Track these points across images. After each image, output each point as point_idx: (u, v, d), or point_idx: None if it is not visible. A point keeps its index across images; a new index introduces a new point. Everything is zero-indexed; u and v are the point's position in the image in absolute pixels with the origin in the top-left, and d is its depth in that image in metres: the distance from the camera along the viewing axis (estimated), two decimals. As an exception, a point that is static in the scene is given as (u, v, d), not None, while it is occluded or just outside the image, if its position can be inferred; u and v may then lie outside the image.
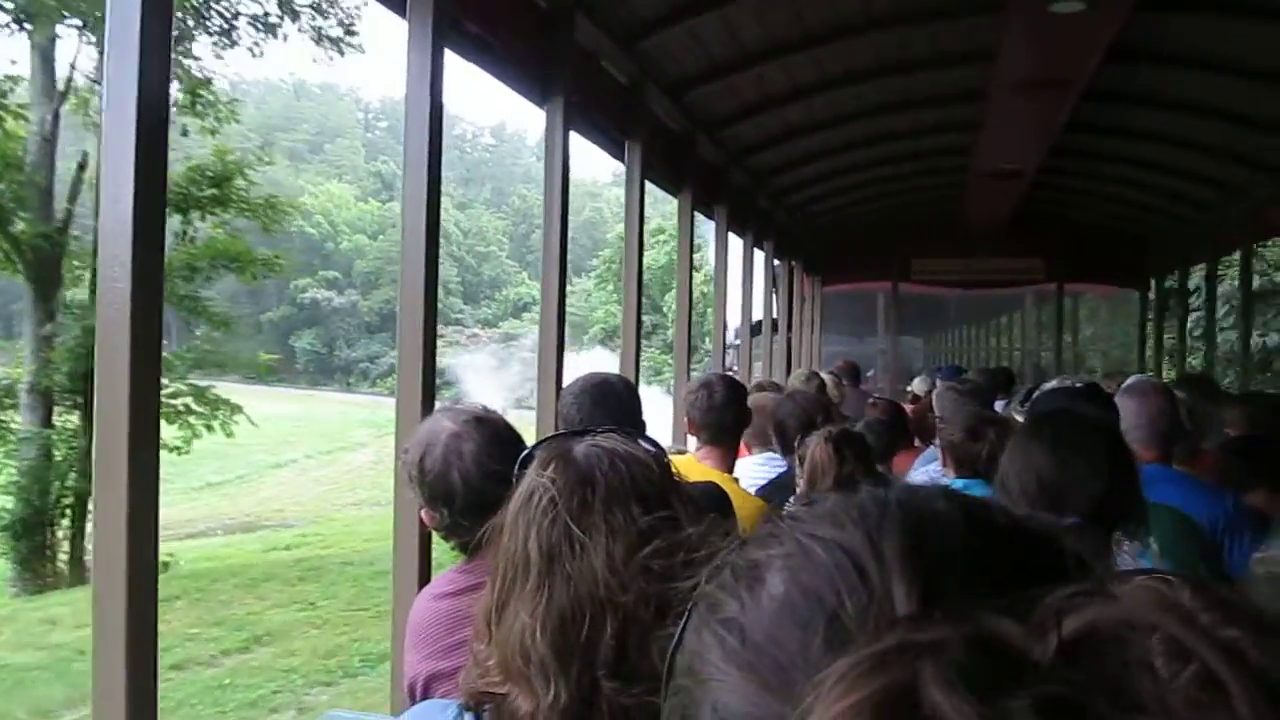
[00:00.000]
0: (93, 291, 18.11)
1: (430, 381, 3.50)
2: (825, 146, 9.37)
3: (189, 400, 18.52)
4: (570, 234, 5.15)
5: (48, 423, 17.95)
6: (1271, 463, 3.64)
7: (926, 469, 4.40)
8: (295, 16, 21.03)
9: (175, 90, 18.93)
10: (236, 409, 19.56)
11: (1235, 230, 10.42)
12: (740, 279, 10.06)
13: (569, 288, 5.11)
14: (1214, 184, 10.15)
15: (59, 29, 18.39)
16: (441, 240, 3.80)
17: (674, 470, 1.45)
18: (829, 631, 0.45)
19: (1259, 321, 16.25)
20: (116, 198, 2.25)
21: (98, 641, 2.23)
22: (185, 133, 18.45)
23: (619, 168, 6.37)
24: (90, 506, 17.61)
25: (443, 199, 3.82)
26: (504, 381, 52.84)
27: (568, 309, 5.01)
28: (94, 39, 18.55)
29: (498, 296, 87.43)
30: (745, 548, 0.52)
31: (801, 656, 0.46)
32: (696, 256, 11.39)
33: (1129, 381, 3.80)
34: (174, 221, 17.61)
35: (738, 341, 11.14)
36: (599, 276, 66.89)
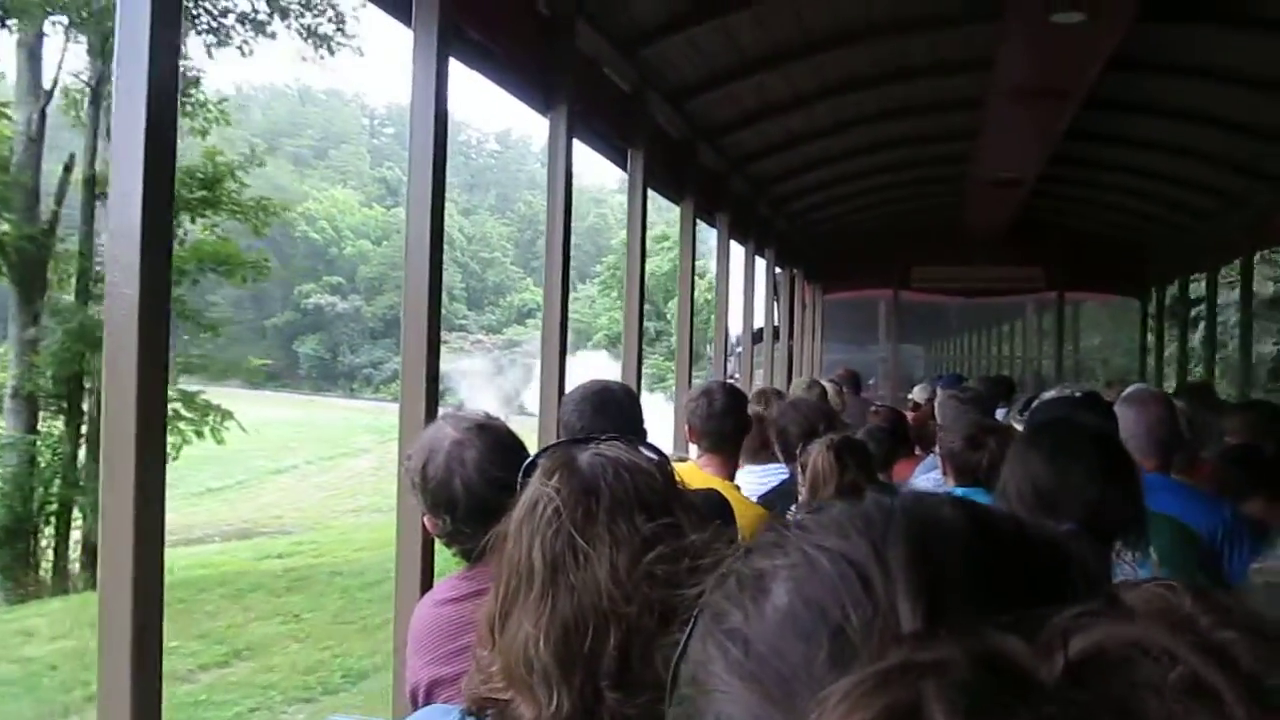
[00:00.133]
0: (78, 294, 17.96)
1: (434, 387, 3.51)
2: (825, 154, 9.39)
3: (178, 406, 18.18)
4: (574, 240, 5.17)
5: (32, 428, 17.69)
6: (1269, 472, 3.65)
7: (927, 477, 4.40)
8: (284, 15, 20.80)
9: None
10: (227, 415, 19.19)
11: (1236, 239, 10.43)
12: (742, 287, 10.08)
13: (573, 294, 5.13)
14: (1214, 192, 10.17)
15: (45, 27, 18.20)
16: (446, 246, 3.82)
17: (677, 478, 1.46)
18: (833, 645, 0.45)
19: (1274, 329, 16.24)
20: (124, 203, 2.27)
21: (103, 646, 2.24)
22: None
23: (624, 174, 6.39)
24: (76, 514, 17.56)
25: (447, 205, 3.83)
26: (500, 388, 52.79)
27: (572, 315, 5.02)
28: (82, 37, 18.38)
29: (502, 302, 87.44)
30: (750, 556, 0.52)
31: (805, 670, 0.45)
32: (699, 264, 11.43)
33: (1128, 390, 3.81)
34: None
35: (739, 349, 11.16)
36: (603, 283, 66.86)
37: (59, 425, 18.01)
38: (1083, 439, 2.31)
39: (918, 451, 5.93)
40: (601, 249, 79.47)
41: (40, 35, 18.36)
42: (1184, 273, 13.27)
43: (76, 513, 17.92)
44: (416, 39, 3.57)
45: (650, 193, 6.70)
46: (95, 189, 18.29)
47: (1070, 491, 2.15)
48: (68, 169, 18.71)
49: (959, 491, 3.46)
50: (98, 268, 18.45)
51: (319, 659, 11.16)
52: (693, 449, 3.80)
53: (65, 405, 18.03)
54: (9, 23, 17.85)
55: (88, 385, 18.03)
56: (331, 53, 21.87)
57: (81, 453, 18.13)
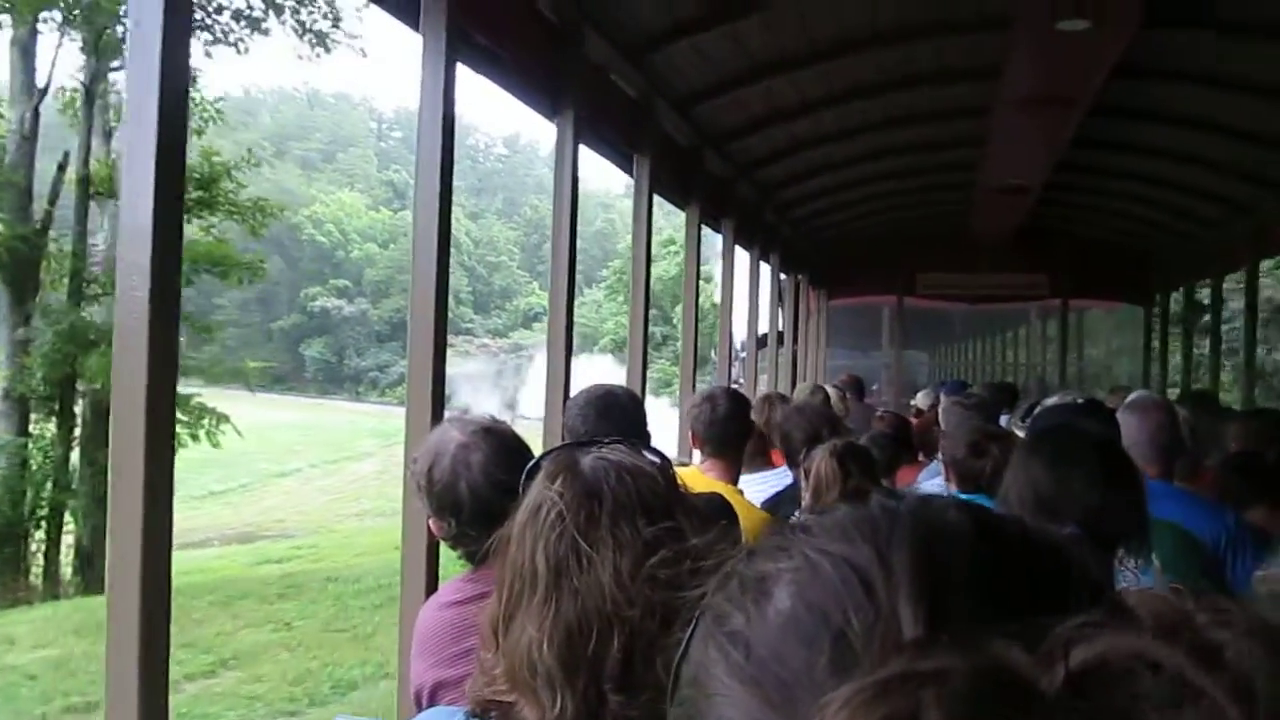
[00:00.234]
0: (71, 295, 17.85)
1: (440, 391, 3.52)
2: (831, 160, 9.40)
3: (172, 408, 18.17)
4: (582, 244, 5.19)
5: (23, 431, 17.55)
6: (1272, 480, 3.66)
7: (930, 484, 4.41)
8: (279, 11, 20.63)
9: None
10: (223, 418, 18.86)
11: (1241, 246, 10.42)
12: (747, 292, 10.09)
13: (579, 298, 5.14)
14: (1220, 200, 10.16)
15: (39, 26, 18.05)
16: (453, 249, 3.83)
17: (679, 482, 1.47)
18: (834, 650, 0.45)
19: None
20: (135, 205, 2.29)
21: (110, 649, 2.25)
22: None
23: (631, 179, 6.41)
24: (67, 518, 17.46)
25: (454, 209, 3.85)
26: (498, 391, 52.81)
27: (578, 320, 5.03)
28: (76, 35, 18.27)
29: (508, 306, 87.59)
30: (753, 559, 0.52)
31: (806, 675, 0.45)
32: (705, 269, 11.43)
33: (1130, 398, 3.82)
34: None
35: (743, 354, 11.17)
36: (609, 287, 66.91)
37: (51, 428, 17.87)
38: (1084, 446, 2.31)
39: (921, 457, 5.94)
40: (608, 253, 79.49)
41: (34, 33, 18.18)
42: (1189, 280, 13.25)
43: (68, 517, 17.80)
44: (425, 44, 3.59)
45: (657, 198, 6.71)
46: (89, 188, 18.16)
47: (1071, 498, 2.16)
48: (62, 168, 18.58)
49: (962, 498, 3.47)
50: (92, 268, 18.35)
51: (308, 668, 10.92)
52: (696, 454, 3.82)
53: (57, 407, 17.88)
54: (1, 19, 17.72)
55: (80, 388, 17.93)
56: (328, 50, 21.63)
57: (74, 455, 18.01)
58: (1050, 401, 3.85)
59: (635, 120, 6.11)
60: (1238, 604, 0.42)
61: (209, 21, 19.78)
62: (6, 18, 17.91)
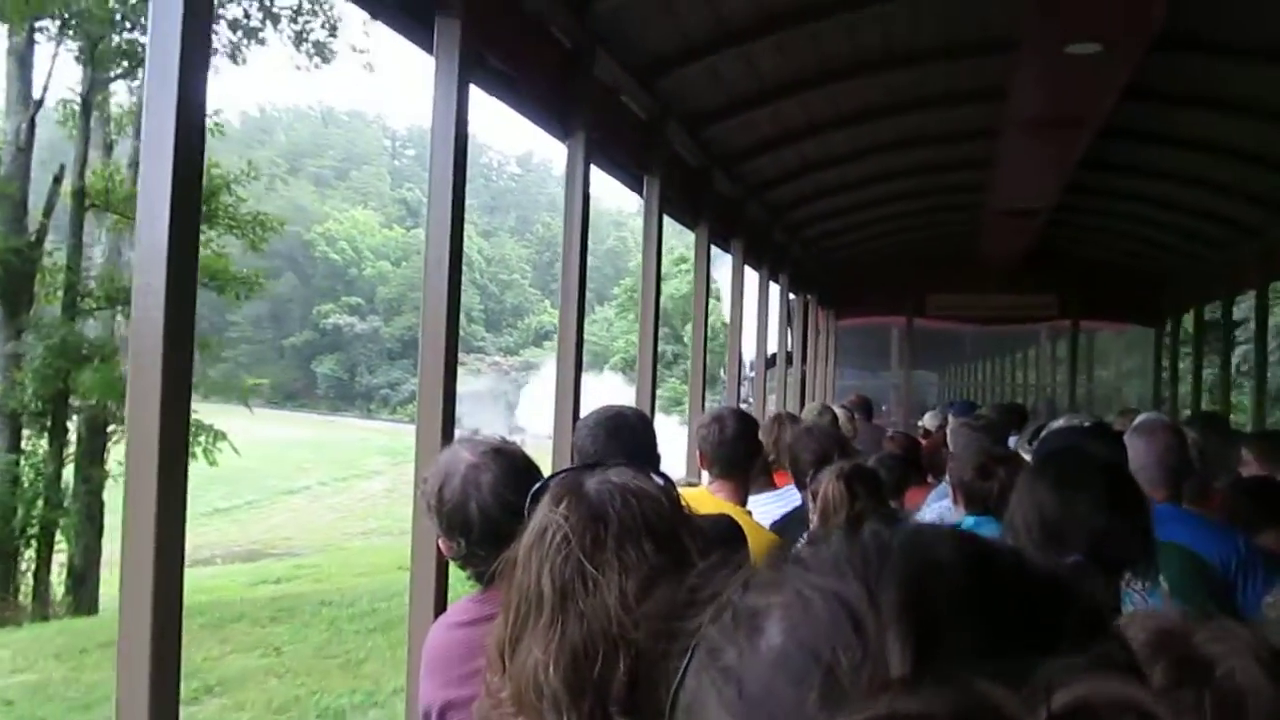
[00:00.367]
0: (65, 309, 17.63)
1: (450, 409, 3.53)
2: (841, 181, 9.42)
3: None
4: (594, 262, 5.23)
5: (15, 447, 17.27)
6: (1281, 504, 3.64)
7: (938, 505, 4.41)
8: (275, 20, 20.30)
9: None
10: (220, 435, 18.36)
11: (1251, 268, 10.42)
12: (756, 312, 10.10)
13: (590, 316, 5.16)
14: (1228, 223, 10.16)
15: (36, 36, 17.80)
16: (465, 268, 3.85)
17: (684, 504, 1.48)
18: (824, 687, 0.45)
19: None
20: (152, 228, 2.31)
21: (121, 667, 2.27)
22: None
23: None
24: (59, 537, 17.26)
25: (467, 226, 3.87)
26: (498, 408, 52.80)
27: (589, 338, 5.05)
28: (73, 46, 18.09)
29: (520, 324, 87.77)
30: (747, 591, 0.53)
31: (795, 712, 0.46)
32: (714, 287, 11.46)
33: (1138, 420, 3.82)
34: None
35: (753, 374, 11.17)
36: (621, 305, 67.01)
37: (43, 444, 17.59)
38: (1089, 469, 2.32)
39: (930, 479, 5.93)
40: (620, 271, 79.69)
41: (31, 42, 17.93)
42: (1198, 302, 13.24)
43: (59, 535, 17.47)
44: (437, 66, 3.63)
45: (667, 218, 6.74)
46: (85, 200, 17.94)
47: (1076, 521, 2.16)
48: (57, 180, 18.34)
49: (969, 520, 3.48)
50: (88, 282, 18.14)
51: (295, 695, 10.55)
52: (704, 475, 3.82)
53: (50, 423, 17.60)
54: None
55: (75, 403, 17.66)
56: (326, 60, 21.30)
57: (66, 473, 17.73)
58: (1057, 424, 3.85)
59: (645, 141, 6.15)
60: (1245, 627, 0.42)
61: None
62: (3, 27, 17.67)
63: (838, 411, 6.79)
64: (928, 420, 8.83)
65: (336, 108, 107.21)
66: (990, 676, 0.41)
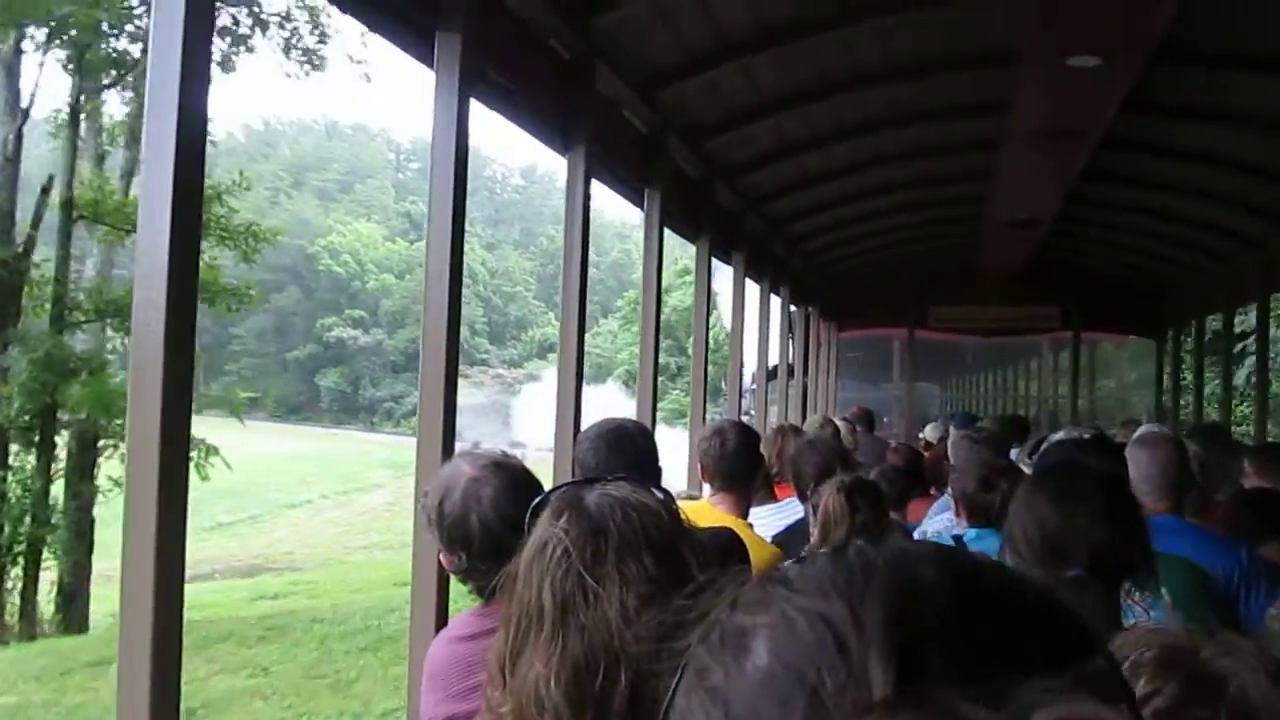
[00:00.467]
0: (53, 321, 17.35)
1: (451, 422, 3.53)
2: (842, 194, 9.43)
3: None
4: (597, 275, 5.24)
5: (2, 463, 17.02)
6: (1284, 516, 3.63)
7: (940, 518, 4.40)
8: (265, 27, 20.21)
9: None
10: (212, 450, 17.86)
11: (1252, 280, 10.42)
12: (757, 324, 10.11)
13: (595, 328, 5.16)
14: (1229, 234, 10.17)
15: (24, 44, 17.60)
16: (469, 280, 3.86)
17: (683, 517, 1.48)
18: (808, 709, 0.46)
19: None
20: (153, 244, 2.31)
21: (122, 684, 2.27)
22: None
23: (647, 211, 6.45)
24: (46, 554, 17.06)
25: (471, 239, 3.88)
26: (494, 421, 52.62)
27: (592, 350, 5.04)
28: (62, 55, 17.89)
29: (524, 337, 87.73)
30: (735, 611, 0.53)
31: None
32: (716, 298, 11.46)
33: (1139, 432, 3.82)
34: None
35: (754, 386, 11.17)
36: (624, 318, 66.99)
37: (31, 459, 17.32)
38: (1088, 482, 2.31)
39: (932, 491, 5.92)
40: (624, 283, 79.65)
41: (18, 52, 17.74)
42: (1199, 314, 13.24)
43: (47, 553, 17.19)
44: (438, 80, 3.63)
45: (668, 230, 6.75)
46: (73, 212, 17.70)
47: (1076, 535, 2.16)
48: (45, 191, 18.16)
49: (971, 533, 3.48)
50: (77, 295, 17.94)
51: (281, 718, 10.41)
52: (706, 488, 3.82)
53: (38, 438, 17.34)
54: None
55: (64, 418, 17.38)
56: (316, 67, 21.16)
57: (54, 489, 17.45)
58: (1057, 437, 3.85)
59: (646, 154, 6.16)
60: (1249, 639, 0.42)
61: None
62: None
63: (839, 424, 6.79)
64: (929, 432, 8.83)
65: (341, 121, 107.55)
66: (972, 698, 0.41)
